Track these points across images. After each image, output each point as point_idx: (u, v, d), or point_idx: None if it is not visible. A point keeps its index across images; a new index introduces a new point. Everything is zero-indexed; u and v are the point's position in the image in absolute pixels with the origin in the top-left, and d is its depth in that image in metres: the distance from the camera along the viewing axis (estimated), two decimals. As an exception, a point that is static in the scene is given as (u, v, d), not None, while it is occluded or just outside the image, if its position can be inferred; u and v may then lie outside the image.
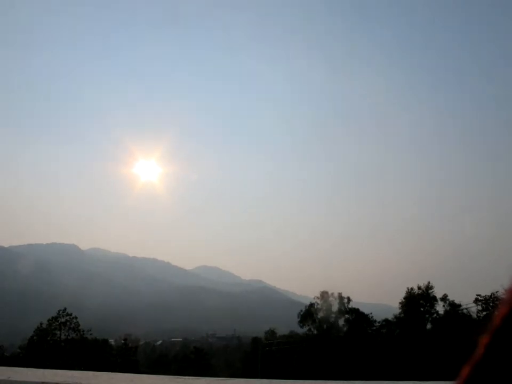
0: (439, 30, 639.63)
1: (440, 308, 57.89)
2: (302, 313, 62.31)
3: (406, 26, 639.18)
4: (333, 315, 62.20)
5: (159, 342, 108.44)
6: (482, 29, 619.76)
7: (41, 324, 58.60)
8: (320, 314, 62.13)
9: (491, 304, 52.59)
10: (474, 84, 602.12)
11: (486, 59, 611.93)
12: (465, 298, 57.14)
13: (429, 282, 59.04)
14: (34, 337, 57.46)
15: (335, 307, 62.30)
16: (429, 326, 57.60)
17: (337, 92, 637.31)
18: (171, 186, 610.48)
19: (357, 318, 60.00)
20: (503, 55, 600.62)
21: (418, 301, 58.03)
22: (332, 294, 62.96)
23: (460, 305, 56.74)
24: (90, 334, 60.23)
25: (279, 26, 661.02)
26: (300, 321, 62.06)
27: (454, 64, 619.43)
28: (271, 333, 68.47)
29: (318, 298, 63.20)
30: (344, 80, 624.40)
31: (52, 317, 58.51)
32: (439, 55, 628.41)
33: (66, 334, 58.01)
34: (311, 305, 62.89)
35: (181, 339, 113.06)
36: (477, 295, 54.83)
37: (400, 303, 59.51)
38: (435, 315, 57.88)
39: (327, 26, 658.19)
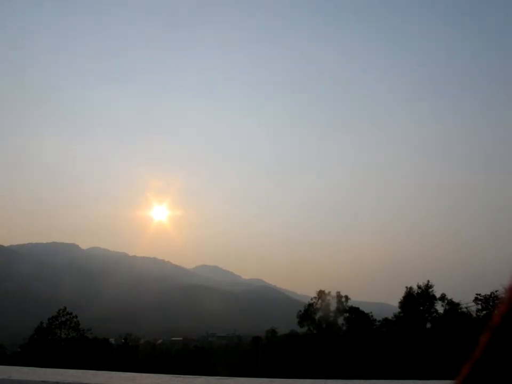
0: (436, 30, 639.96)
1: (439, 307, 58.02)
2: (300, 313, 62.45)
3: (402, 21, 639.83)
4: (332, 314, 62.37)
5: (160, 341, 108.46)
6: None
7: (41, 323, 58.66)
8: (319, 314, 62.27)
9: (491, 303, 52.64)
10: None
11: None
12: (465, 297, 57.19)
13: (428, 281, 59.10)
14: (35, 336, 57.53)
15: (333, 306, 62.51)
16: (428, 325, 57.64)
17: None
18: (172, 187, 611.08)
19: (356, 317, 60.10)
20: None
21: (417, 300, 58.07)
22: (329, 293, 63.14)
23: (459, 304, 56.79)
24: (91, 333, 60.31)
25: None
26: (299, 322, 62.18)
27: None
28: (271, 332, 68.54)
29: (315, 298, 63.35)
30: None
31: (52, 316, 58.58)
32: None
33: (67, 333, 58.09)
34: (310, 305, 63.02)
35: (181, 338, 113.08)
36: (477, 294, 54.90)
37: (399, 302, 59.58)
38: (435, 314, 57.92)
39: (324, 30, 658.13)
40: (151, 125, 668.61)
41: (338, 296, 62.72)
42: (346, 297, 62.73)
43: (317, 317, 62.14)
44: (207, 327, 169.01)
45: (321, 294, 63.21)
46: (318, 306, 62.64)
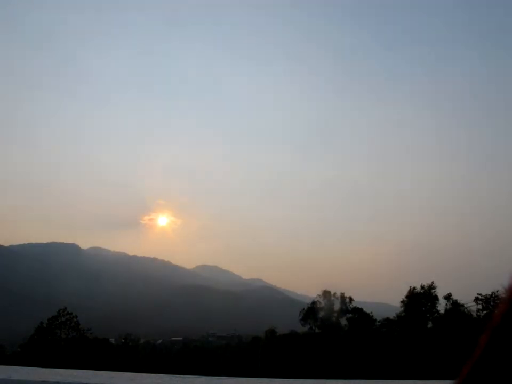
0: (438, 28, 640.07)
1: (441, 307, 58.06)
2: (304, 311, 62.56)
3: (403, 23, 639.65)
4: (335, 314, 62.47)
5: (159, 341, 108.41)
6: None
7: (41, 323, 58.66)
8: (322, 313, 62.40)
9: (491, 303, 52.65)
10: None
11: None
12: (465, 297, 57.20)
13: (432, 282, 59.20)
14: (35, 336, 57.54)
15: (337, 306, 62.64)
16: (430, 325, 57.65)
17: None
18: (172, 188, 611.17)
19: (359, 317, 60.25)
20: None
21: (420, 300, 58.10)
22: (334, 294, 63.31)
23: (463, 305, 56.79)
24: (91, 333, 60.30)
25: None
26: (302, 319, 62.24)
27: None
28: (271, 332, 68.52)
29: (320, 297, 63.51)
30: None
31: (52, 316, 58.59)
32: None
33: (67, 333, 58.10)
34: (313, 303, 63.20)
35: (181, 338, 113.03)
36: (478, 294, 54.91)
37: (401, 301, 59.59)
38: (436, 314, 57.94)
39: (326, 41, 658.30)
40: (149, 125, 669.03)
41: (343, 297, 62.99)
42: (350, 299, 62.93)
43: (319, 316, 62.33)
44: (207, 327, 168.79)
45: (326, 294, 63.45)
46: (322, 305, 62.86)
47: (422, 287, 58.90)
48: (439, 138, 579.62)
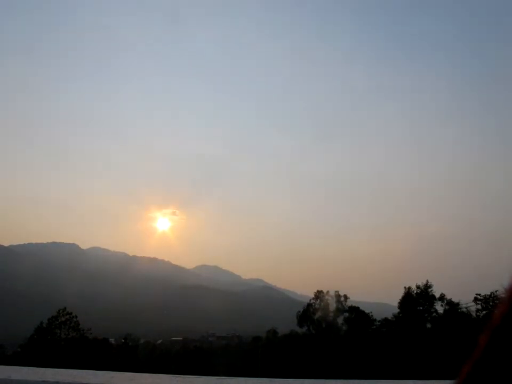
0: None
1: (439, 307, 57.94)
2: (299, 314, 62.43)
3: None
4: (331, 314, 62.31)
5: (159, 341, 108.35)
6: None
7: (41, 323, 58.66)
8: (318, 314, 62.19)
9: (491, 303, 52.56)
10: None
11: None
12: (464, 297, 57.09)
13: (427, 281, 58.99)
14: (35, 336, 57.53)
15: (332, 306, 62.44)
16: (428, 325, 57.56)
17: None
18: (172, 188, 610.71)
19: (356, 317, 60.04)
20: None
21: (417, 300, 57.97)
22: (328, 292, 63.07)
23: (459, 304, 56.73)
24: (91, 333, 60.29)
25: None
26: (298, 322, 62.15)
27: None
28: (271, 332, 68.51)
29: (314, 298, 63.37)
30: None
31: (52, 316, 58.59)
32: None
33: (67, 333, 58.10)
34: (309, 305, 63.03)
35: (181, 338, 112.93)
36: (477, 294, 54.80)
37: (399, 302, 59.49)
38: (434, 314, 57.84)
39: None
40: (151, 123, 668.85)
41: (337, 295, 62.71)
42: (345, 297, 62.69)
43: (316, 317, 62.09)
44: (207, 327, 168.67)
45: (319, 294, 63.21)
46: (317, 306, 62.62)
47: (418, 287, 58.74)
48: (443, 136, 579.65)
